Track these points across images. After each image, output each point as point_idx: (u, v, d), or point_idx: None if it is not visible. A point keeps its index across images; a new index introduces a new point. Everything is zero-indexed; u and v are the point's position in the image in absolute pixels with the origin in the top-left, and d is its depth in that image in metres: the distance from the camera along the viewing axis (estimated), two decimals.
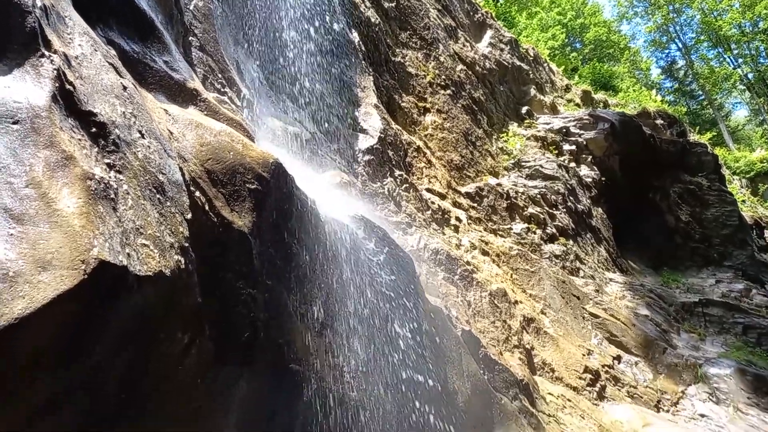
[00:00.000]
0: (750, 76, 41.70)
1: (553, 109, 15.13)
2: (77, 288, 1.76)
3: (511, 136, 12.50)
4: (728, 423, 7.65)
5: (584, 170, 13.08)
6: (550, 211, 10.85)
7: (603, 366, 8.10)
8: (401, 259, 4.69)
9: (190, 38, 4.22)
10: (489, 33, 14.25)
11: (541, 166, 11.60)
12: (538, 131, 13.15)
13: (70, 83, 2.21)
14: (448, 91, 10.61)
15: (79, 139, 2.12)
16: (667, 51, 46.52)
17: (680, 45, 44.29)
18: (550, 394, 6.72)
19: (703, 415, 7.85)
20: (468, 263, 7.19)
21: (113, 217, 2.04)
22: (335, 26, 7.37)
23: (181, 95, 3.33)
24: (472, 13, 14.12)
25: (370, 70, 8.23)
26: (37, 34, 2.16)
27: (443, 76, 10.73)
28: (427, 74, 10.19)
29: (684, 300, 11.30)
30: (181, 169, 2.68)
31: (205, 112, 3.39)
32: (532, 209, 10.44)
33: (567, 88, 18.12)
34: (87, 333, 1.85)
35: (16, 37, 2.12)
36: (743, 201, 20.91)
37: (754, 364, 8.97)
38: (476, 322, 6.56)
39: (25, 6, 2.15)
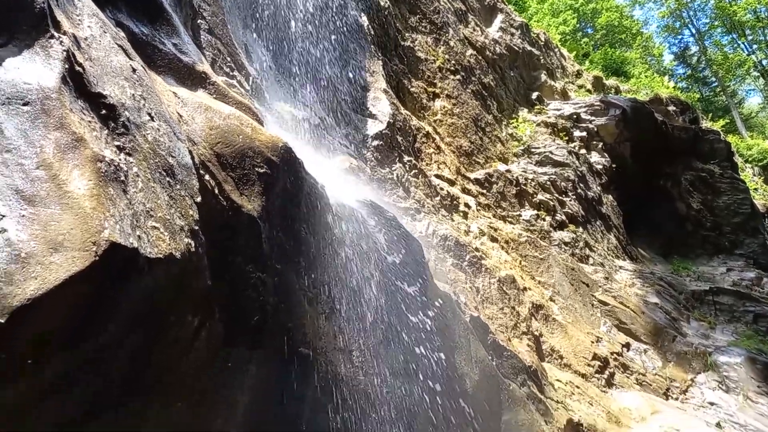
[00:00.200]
0: (764, 62, 41.01)
1: (564, 95, 14.98)
2: (89, 269, 1.76)
3: (521, 122, 12.39)
4: (738, 411, 7.63)
5: (595, 157, 12.96)
6: (560, 197, 10.78)
7: (612, 353, 8.09)
8: (410, 244, 4.68)
9: (199, 21, 4.19)
10: (499, 17, 14.08)
11: (551, 152, 11.51)
12: (549, 117, 13.02)
13: (80, 65, 2.20)
14: (458, 76, 10.52)
15: (89, 121, 2.11)
16: (680, 37, 45.79)
17: (693, 30, 43.59)
18: (558, 380, 6.72)
19: (712, 403, 7.83)
20: (477, 250, 7.17)
21: (123, 200, 2.04)
22: (344, 10, 7.30)
23: (190, 78, 3.32)
24: None
25: (379, 54, 8.16)
26: (47, 14, 2.15)
27: (453, 61, 10.63)
28: (437, 59, 10.11)
29: (694, 288, 11.23)
30: (190, 152, 2.68)
31: (214, 96, 3.37)
32: (541, 196, 10.37)
33: (578, 74, 17.92)
34: (98, 314, 1.86)
35: (25, 18, 2.11)
36: (755, 189, 20.66)
37: (765, 352, 8.93)
38: (485, 309, 6.56)
39: None
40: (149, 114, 2.49)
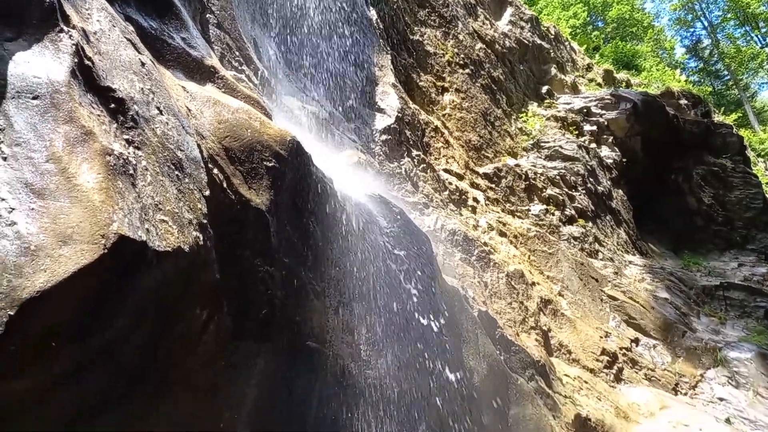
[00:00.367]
0: None
1: (574, 89, 14.87)
2: (97, 262, 1.78)
3: (531, 116, 12.32)
4: (747, 407, 7.58)
5: (605, 151, 12.87)
6: (570, 192, 10.72)
7: (621, 348, 8.06)
8: (418, 238, 4.67)
9: (207, 15, 4.19)
10: (509, 10, 13.99)
11: (560, 146, 11.44)
12: (558, 111, 12.94)
13: (89, 59, 2.21)
14: (467, 70, 10.47)
15: (98, 115, 2.12)
16: (692, 30, 45.22)
17: (706, 23, 43.03)
18: (566, 375, 6.70)
19: (721, 399, 7.78)
20: (485, 244, 7.15)
21: (132, 193, 2.05)
22: (353, 3, 7.28)
23: (199, 72, 3.32)
24: None
25: (388, 48, 8.14)
26: (56, 8, 2.15)
27: (462, 55, 10.58)
28: (446, 53, 10.06)
29: (705, 283, 11.15)
30: (199, 146, 2.68)
31: (223, 90, 3.38)
32: (551, 190, 10.32)
33: (588, 68, 17.77)
34: (107, 307, 1.87)
35: (35, 11, 2.12)
36: None
37: None
38: (493, 303, 6.55)
39: None
40: (158, 108, 2.50)
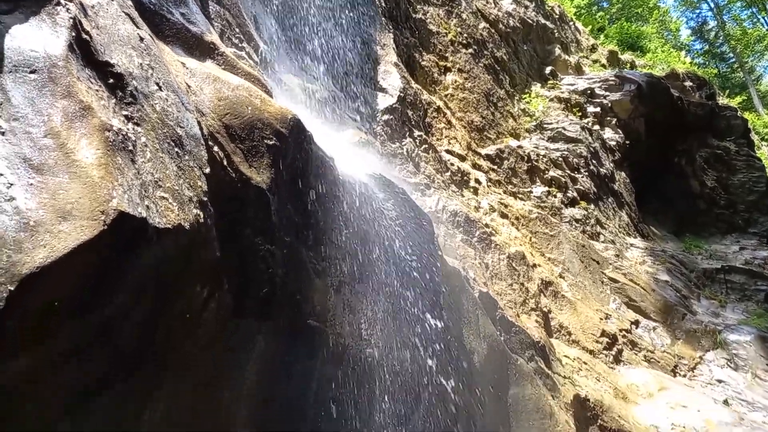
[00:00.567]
0: None
1: (578, 70, 14.73)
2: (97, 239, 1.77)
3: (534, 97, 12.22)
4: (746, 389, 7.64)
5: (608, 133, 12.79)
6: (572, 174, 10.68)
7: (620, 330, 8.09)
8: (419, 218, 4.66)
9: None
10: None
11: (563, 128, 11.37)
12: (562, 92, 12.83)
13: (87, 33, 2.17)
14: (470, 50, 10.36)
15: (97, 90, 2.10)
16: (697, 11, 44.64)
17: (712, 5, 42.45)
18: (566, 356, 6.74)
19: (720, 381, 7.83)
20: (487, 226, 7.14)
21: (132, 169, 2.03)
22: None
23: (199, 49, 3.28)
24: None
25: (390, 27, 8.04)
26: None
27: (465, 35, 10.46)
28: (449, 32, 9.94)
29: (706, 266, 11.16)
30: (199, 123, 2.66)
31: (223, 67, 3.34)
32: (553, 172, 10.28)
33: (593, 48, 17.58)
34: (107, 283, 1.87)
35: None
36: None
37: None
38: (493, 285, 6.56)
39: None
40: (157, 84, 2.47)
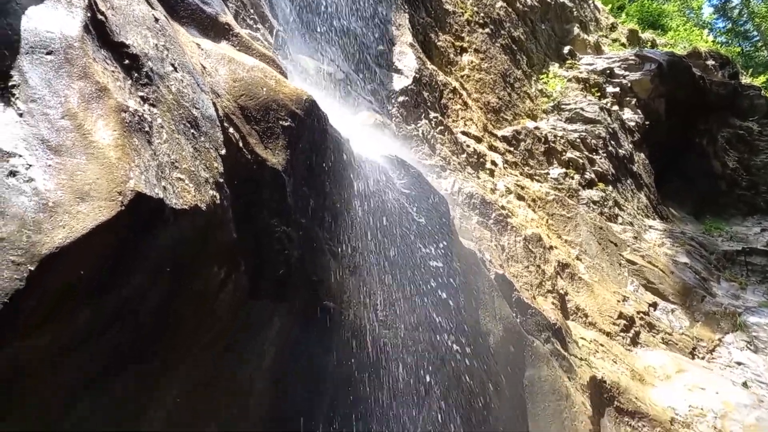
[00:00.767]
0: None
1: (597, 49, 14.44)
2: (115, 219, 1.78)
3: (552, 77, 12.02)
4: (765, 371, 7.55)
5: (627, 113, 12.56)
6: (590, 155, 10.54)
7: (638, 312, 8.03)
8: (435, 200, 4.64)
9: None
10: None
11: (582, 109, 11.19)
12: (580, 72, 12.60)
13: (102, 13, 2.17)
14: (487, 30, 10.20)
15: (112, 71, 2.10)
16: None
17: None
18: (582, 338, 6.72)
19: (739, 363, 7.75)
20: (503, 208, 7.09)
21: (148, 150, 2.04)
22: None
23: (213, 29, 3.26)
24: None
25: (406, 6, 7.93)
26: None
27: (482, 14, 10.29)
28: (465, 11, 9.79)
29: (726, 248, 10.99)
30: (214, 104, 2.65)
31: (238, 48, 3.32)
32: (570, 154, 10.15)
33: (612, 27, 17.21)
34: (125, 264, 1.88)
35: None
36: None
37: None
38: (510, 267, 6.53)
39: None
40: (172, 65, 2.46)
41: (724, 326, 8.50)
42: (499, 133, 9.05)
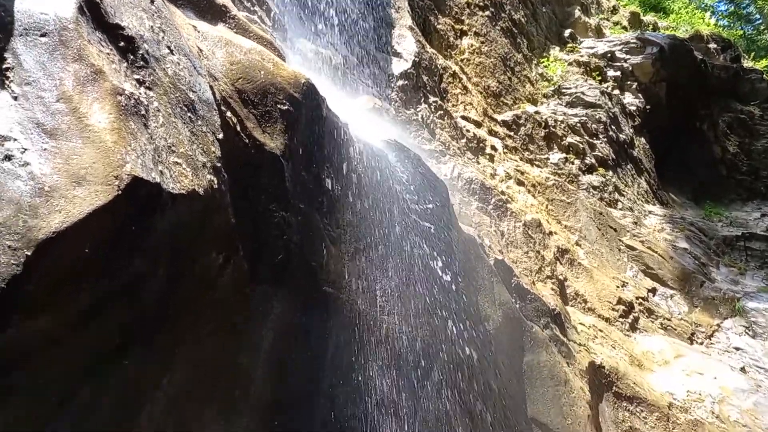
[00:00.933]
0: None
1: (598, 32, 14.31)
2: (112, 204, 1.76)
3: (552, 61, 11.92)
4: (763, 356, 7.59)
5: (628, 98, 12.48)
6: (590, 140, 10.49)
7: (637, 298, 8.05)
8: (435, 184, 4.62)
9: None
10: None
11: (582, 93, 11.11)
12: (581, 56, 12.49)
13: None
14: (487, 13, 10.09)
15: (108, 54, 2.07)
16: None
17: None
18: (581, 324, 6.74)
19: (737, 348, 7.79)
20: (502, 193, 7.07)
21: (145, 134, 2.02)
22: None
23: (210, 12, 3.22)
24: None
25: None
26: None
27: None
28: None
29: (726, 234, 10.99)
30: (211, 87, 2.62)
31: (235, 30, 3.28)
32: (571, 138, 10.10)
33: (614, 10, 17.04)
34: (122, 248, 1.87)
35: None
36: None
37: None
38: (509, 252, 6.53)
39: None
40: (169, 47, 2.43)
41: (722, 311, 8.52)
42: (499, 117, 9.00)
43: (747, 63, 18.34)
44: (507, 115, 9.18)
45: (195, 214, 2.20)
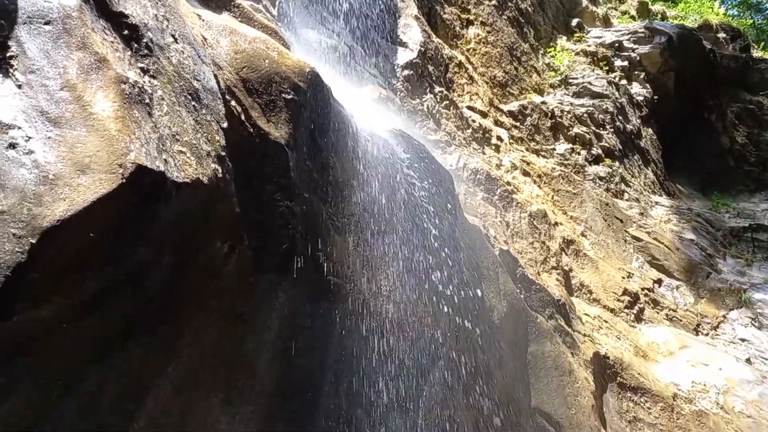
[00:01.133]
0: None
1: (606, 22, 14.17)
2: (116, 192, 1.77)
3: (559, 51, 11.82)
4: None
5: (636, 88, 12.37)
6: (597, 131, 10.41)
7: (642, 289, 8.02)
8: (440, 175, 4.61)
9: None
10: None
11: (589, 83, 11.02)
12: (588, 46, 12.38)
13: None
14: (494, 2, 10.01)
15: (111, 42, 2.06)
16: None
17: None
18: (586, 314, 6.73)
19: (743, 340, 7.76)
20: (508, 183, 7.05)
21: (149, 123, 2.01)
22: None
23: (215, 0, 3.21)
24: None
25: None
26: None
27: None
28: None
29: (733, 225, 10.92)
30: (215, 76, 2.62)
31: (239, 19, 3.27)
32: (577, 129, 10.04)
33: None
34: (127, 237, 1.88)
35: None
36: None
37: None
38: (514, 243, 6.52)
39: None
40: (173, 36, 2.42)
41: (728, 303, 8.49)
42: (505, 107, 8.95)
43: (756, 53, 18.12)
44: (513, 106, 9.13)
45: (199, 202, 2.21)
